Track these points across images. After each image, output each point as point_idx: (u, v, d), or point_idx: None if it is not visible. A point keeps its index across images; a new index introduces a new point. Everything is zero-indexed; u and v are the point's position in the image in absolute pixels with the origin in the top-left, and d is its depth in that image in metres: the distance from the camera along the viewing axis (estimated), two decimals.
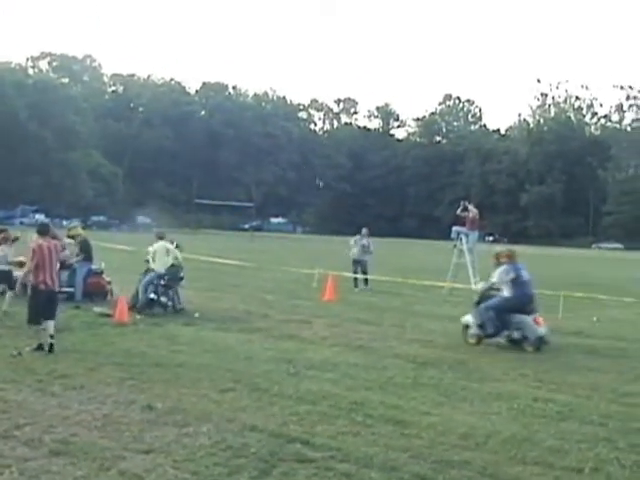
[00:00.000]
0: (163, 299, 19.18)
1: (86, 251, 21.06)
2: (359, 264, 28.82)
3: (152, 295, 19.13)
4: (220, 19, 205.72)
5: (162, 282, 19.23)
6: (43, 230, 14.76)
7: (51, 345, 13.42)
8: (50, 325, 13.66)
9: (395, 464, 8.22)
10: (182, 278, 20.01)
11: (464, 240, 28.05)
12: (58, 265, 14.76)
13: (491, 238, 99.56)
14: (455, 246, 28.52)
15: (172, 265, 19.61)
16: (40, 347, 13.46)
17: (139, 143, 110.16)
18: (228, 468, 7.91)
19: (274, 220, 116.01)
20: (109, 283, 21.17)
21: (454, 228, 29.16)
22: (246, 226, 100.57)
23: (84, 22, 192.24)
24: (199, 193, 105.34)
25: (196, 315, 18.56)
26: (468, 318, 16.66)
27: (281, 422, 9.63)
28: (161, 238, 20.35)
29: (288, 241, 63.24)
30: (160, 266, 19.47)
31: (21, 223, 72.80)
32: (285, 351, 14.73)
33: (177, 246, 20.50)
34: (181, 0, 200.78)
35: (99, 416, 9.55)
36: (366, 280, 28.46)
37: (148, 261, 20.00)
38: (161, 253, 19.77)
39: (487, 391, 11.90)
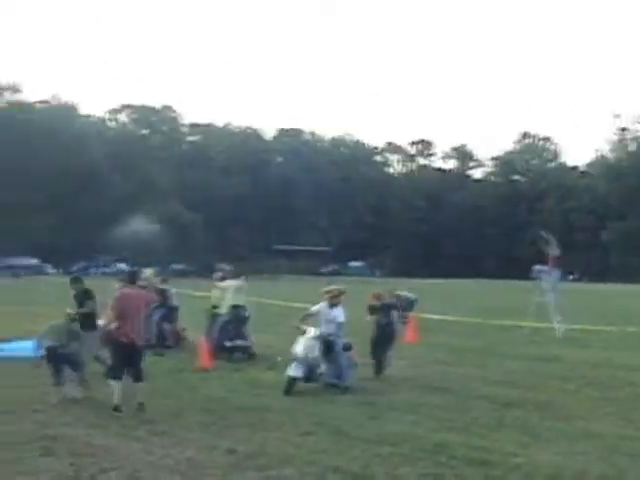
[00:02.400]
0: (239, 342, 19.33)
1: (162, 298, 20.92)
2: None
3: (227, 343, 19.26)
4: (296, 65, 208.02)
5: (230, 327, 19.40)
6: (131, 278, 13.82)
7: (140, 406, 12.45)
8: (139, 388, 12.71)
9: None
10: (248, 317, 20.13)
11: (546, 279, 27.62)
12: (144, 317, 13.46)
13: (572, 277, 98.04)
14: (537, 285, 28.10)
15: (235, 306, 19.74)
16: (117, 409, 12.34)
17: (217, 191, 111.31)
18: None
19: (352, 264, 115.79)
20: (183, 330, 21.33)
21: (535, 267, 28.79)
22: (323, 271, 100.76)
23: (163, 74, 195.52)
24: (277, 239, 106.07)
25: (278, 359, 18.51)
26: (298, 371, 14.75)
27: (363, 464, 9.58)
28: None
29: (365, 284, 63.03)
30: (225, 308, 19.82)
31: (103, 273, 74.10)
32: (367, 394, 14.67)
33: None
34: (256, 50, 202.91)
35: (182, 460, 9.64)
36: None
37: (215, 306, 20.30)
38: (226, 295, 20.08)
39: (573, 431, 11.69)
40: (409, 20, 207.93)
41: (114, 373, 12.82)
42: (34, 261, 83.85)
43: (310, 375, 14.87)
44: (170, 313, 21.31)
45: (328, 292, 15.84)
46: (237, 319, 19.65)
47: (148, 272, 21.70)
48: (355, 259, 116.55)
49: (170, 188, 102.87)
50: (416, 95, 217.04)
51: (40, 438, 10.53)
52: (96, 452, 9.91)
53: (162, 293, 20.92)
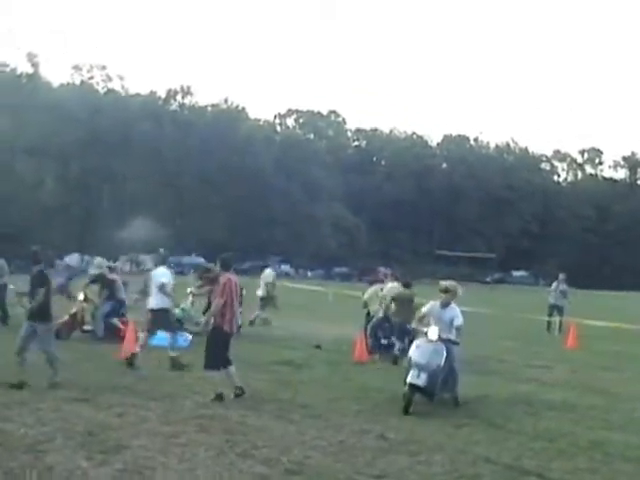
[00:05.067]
0: (394, 339, 19.32)
1: (110, 290, 20.11)
2: (555, 309, 29.23)
3: (383, 340, 19.32)
4: (461, 72, 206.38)
5: (386, 324, 19.36)
6: (227, 263, 12.93)
7: (241, 390, 12.39)
8: (233, 371, 12.50)
9: None
10: None
11: None
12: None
13: None
14: None
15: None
16: (220, 397, 12.07)
17: (381, 196, 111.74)
18: None
19: (516, 273, 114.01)
20: (124, 324, 19.47)
21: None
22: (487, 279, 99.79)
23: (329, 79, 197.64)
24: (440, 244, 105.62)
25: None
26: (420, 379, 12.04)
27: (516, 456, 9.47)
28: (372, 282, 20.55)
29: (530, 293, 62.30)
30: (376, 309, 19.77)
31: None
32: (523, 392, 14.46)
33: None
34: (420, 56, 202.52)
35: (334, 442, 9.75)
36: (560, 325, 28.28)
37: (366, 305, 20.46)
38: (374, 296, 20.12)
39: None
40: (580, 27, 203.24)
41: (212, 364, 12.34)
42: (201, 260, 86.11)
43: (432, 387, 12.15)
44: (119, 306, 20.09)
45: (443, 289, 13.15)
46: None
47: (98, 260, 21.05)
48: (519, 268, 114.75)
49: (335, 192, 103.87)
50: (584, 101, 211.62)
51: (197, 417, 10.83)
52: (250, 431, 10.12)
53: (111, 284, 20.20)
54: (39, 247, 13.52)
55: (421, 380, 11.92)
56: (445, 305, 12.95)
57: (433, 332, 12.42)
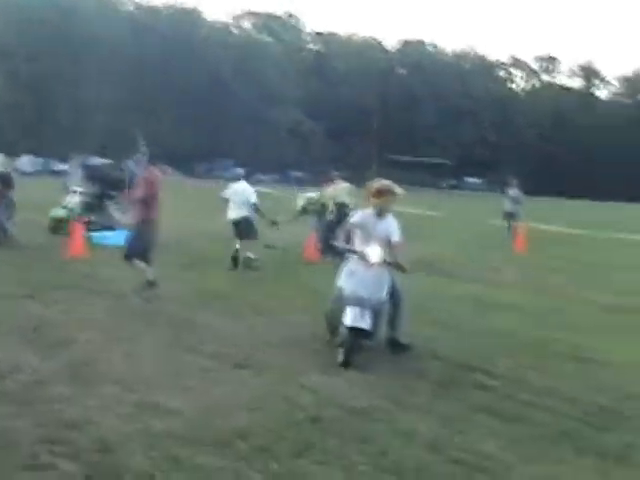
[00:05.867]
0: None
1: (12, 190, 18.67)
2: (508, 214, 29.09)
3: (334, 241, 19.16)
4: None
5: (336, 226, 19.22)
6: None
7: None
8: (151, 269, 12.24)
9: (576, 395, 8.02)
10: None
11: None
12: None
13: None
14: None
15: (340, 205, 19.47)
16: (152, 283, 12.01)
17: (337, 101, 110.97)
18: (406, 389, 7.91)
19: (469, 180, 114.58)
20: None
21: None
22: (443, 185, 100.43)
23: None
24: (395, 151, 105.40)
25: None
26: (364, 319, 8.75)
27: (462, 353, 9.55)
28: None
29: (485, 199, 62.72)
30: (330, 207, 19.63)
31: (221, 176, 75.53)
32: (471, 292, 14.60)
33: None
34: None
35: (280, 337, 9.83)
36: (513, 230, 27.76)
37: (323, 205, 20.19)
38: (326, 196, 19.91)
39: None
40: None
41: (133, 254, 12.18)
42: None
43: (377, 329, 9.12)
44: (12, 207, 18.65)
45: (375, 192, 9.25)
46: (342, 217, 19.51)
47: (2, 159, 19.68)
48: (474, 175, 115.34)
49: (291, 97, 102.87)
50: (540, 8, 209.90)
51: (144, 313, 10.86)
52: (197, 327, 10.12)
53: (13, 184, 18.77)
54: None
55: (365, 322, 8.74)
56: (381, 214, 9.22)
57: (375, 253, 8.90)
